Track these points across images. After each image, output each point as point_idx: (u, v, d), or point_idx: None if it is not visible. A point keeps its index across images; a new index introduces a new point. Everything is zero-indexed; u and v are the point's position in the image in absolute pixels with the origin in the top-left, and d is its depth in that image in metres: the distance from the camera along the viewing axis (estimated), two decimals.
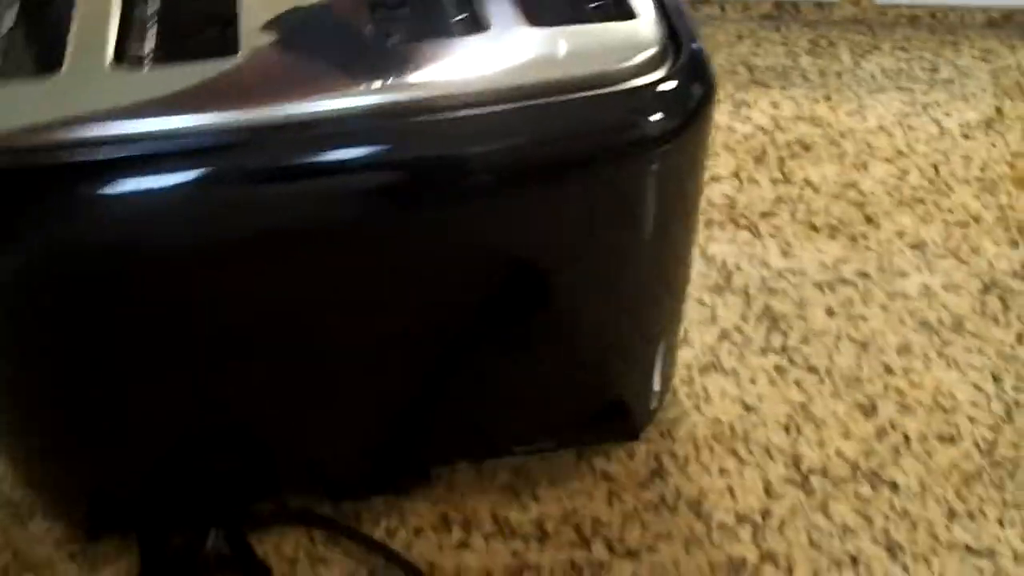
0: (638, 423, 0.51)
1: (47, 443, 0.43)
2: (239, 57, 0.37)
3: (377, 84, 0.36)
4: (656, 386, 0.50)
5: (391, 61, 0.37)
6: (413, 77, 0.36)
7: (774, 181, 0.66)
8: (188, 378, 0.41)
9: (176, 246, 0.37)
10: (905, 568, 0.46)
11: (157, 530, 0.44)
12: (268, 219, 0.37)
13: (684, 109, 0.38)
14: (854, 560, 0.46)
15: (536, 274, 0.42)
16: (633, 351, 0.47)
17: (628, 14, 0.39)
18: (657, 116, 0.37)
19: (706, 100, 0.39)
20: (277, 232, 0.37)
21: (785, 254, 0.61)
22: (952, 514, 0.48)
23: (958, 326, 0.56)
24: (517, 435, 0.49)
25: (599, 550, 0.47)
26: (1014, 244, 0.61)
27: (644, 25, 0.38)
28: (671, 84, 0.37)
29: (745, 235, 0.62)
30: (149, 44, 0.39)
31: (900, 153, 0.67)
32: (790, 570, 0.46)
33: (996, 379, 0.53)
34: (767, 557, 0.46)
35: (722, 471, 0.50)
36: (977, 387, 0.53)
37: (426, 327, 0.42)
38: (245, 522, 0.46)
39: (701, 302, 0.58)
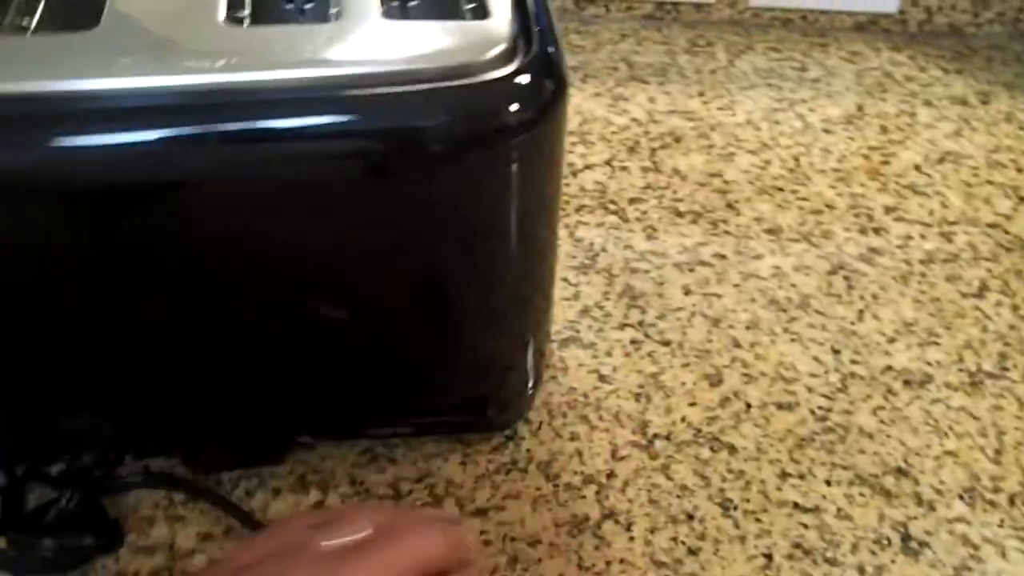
0: (506, 419, 0.53)
1: None
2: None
3: (220, 63, 0.38)
4: (526, 383, 0.52)
5: (235, 42, 0.39)
6: (252, 59, 0.38)
7: (644, 170, 0.69)
8: (58, 330, 0.43)
9: None
10: (736, 523, 0.49)
11: (15, 486, 0.45)
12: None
13: (535, 103, 0.40)
14: (690, 516, 0.49)
15: (398, 260, 0.43)
16: (498, 346, 0.49)
17: (484, 14, 0.41)
18: (508, 108, 0.39)
19: (558, 95, 0.41)
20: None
21: (649, 237, 0.64)
22: (784, 474, 0.51)
23: (804, 304, 0.60)
24: (376, 418, 0.51)
25: (450, 508, 0.49)
26: (863, 231, 0.65)
27: (497, 24, 0.41)
28: (522, 79, 0.39)
29: (613, 219, 0.65)
30: None
31: (765, 145, 0.71)
32: (629, 526, 0.48)
33: (835, 352, 0.57)
34: (609, 514, 0.49)
35: (572, 436, 0.52)
36: (817, 359, 0.57)
37: (289, 302, 0.44)
38: (102, 484, 0.47)
39: (567, 281, 0.61)
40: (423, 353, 0.48)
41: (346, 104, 0.38)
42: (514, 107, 0.39)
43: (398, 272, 0.44)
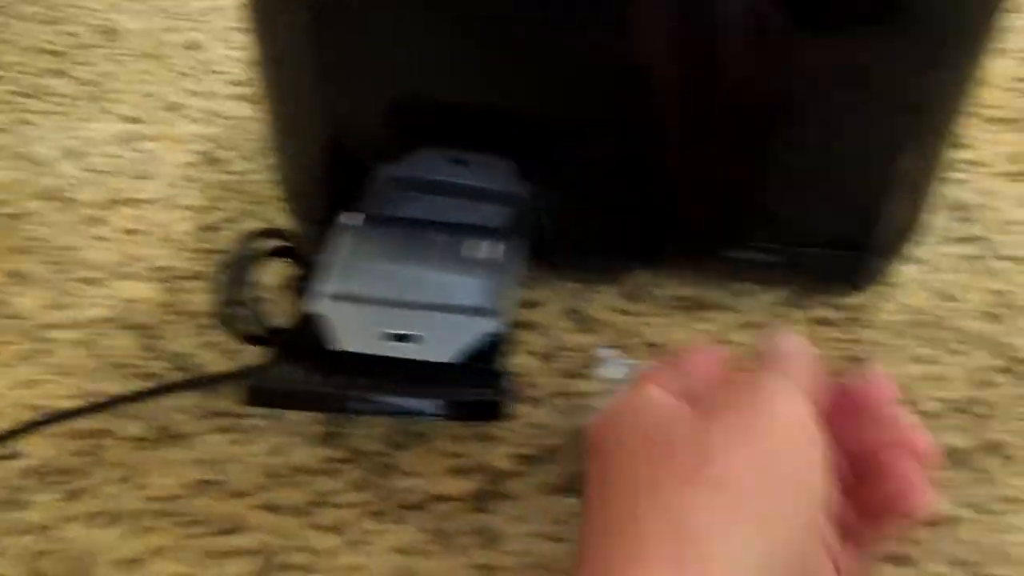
0: (870, 272, 0.46)
1: None
2: None
3: None
4: (906, 230, 0.45)
5: None
6: None
7: None
8: None
9: None
10: None
11: None
12: None
13: None
14: None
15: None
16: (886, 172, 0.42)
17: None
18: None
19: None
20: None
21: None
22: None
23: None
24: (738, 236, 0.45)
25: None
26: None
27: None
28: None
29: None
30: None
31: None
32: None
33: None
34: (993, 447, 0.41)
35: (918, 359, 0.45)
36: None
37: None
38: None
39: None
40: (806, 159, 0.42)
41: None
42: None
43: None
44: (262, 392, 0.38)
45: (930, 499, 0.31)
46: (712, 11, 0.37)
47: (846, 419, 0.33)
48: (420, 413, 0.40)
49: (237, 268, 0.41)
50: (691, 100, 0.40)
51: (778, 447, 0.30)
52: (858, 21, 0.38)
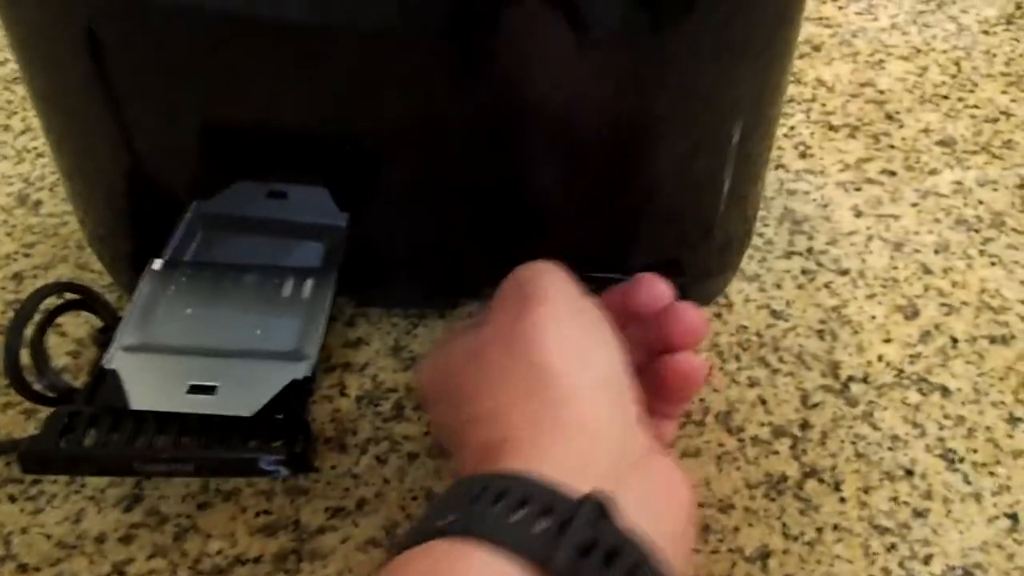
0: (702, 293, 0.46)
1: None
2: None
3: None
4: (729, 251, 0.45)
5: None
6: None
7: None
8: None
9: None
10: (966, 478, 0.40)
11: None
12: None
13: None
14: (908, 472, 0.40)
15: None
16: (706, 193, 0.43)
17: None
18: None
19: None
20: None
21: (803, 155, 0.55)
22: (1013, 419, 0.42)
23: (998, 223, 0.51)
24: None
25: None
26: None
27: None
28: None
29: None
30: None
31: (917, 51, 0.62)
32: (837, 485, 0.40)
33: None
34: (811, 472, 0.40)
35: (751, 382, 0.44)
36: None
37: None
38: None
39: None
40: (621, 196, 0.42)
41: None
42: None
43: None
44: (33, 458, 0.36)
45: (700, 377, 0.35)
46: (509, 28, 0.36)
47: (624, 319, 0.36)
48: (220, 472, 0.38)
49: (17, 327, 0.38)
50: (502, 123, 0.39)
51: (576, 311, 0.33)
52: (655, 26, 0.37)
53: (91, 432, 0.37)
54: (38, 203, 0.52)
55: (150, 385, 0.39)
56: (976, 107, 0.58)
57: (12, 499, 0.39)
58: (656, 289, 0.36)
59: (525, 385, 0.30)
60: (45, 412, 0.38)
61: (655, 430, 0.33)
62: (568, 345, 0.32)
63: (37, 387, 0.39)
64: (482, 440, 0.30)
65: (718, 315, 0.47)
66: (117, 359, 0.39)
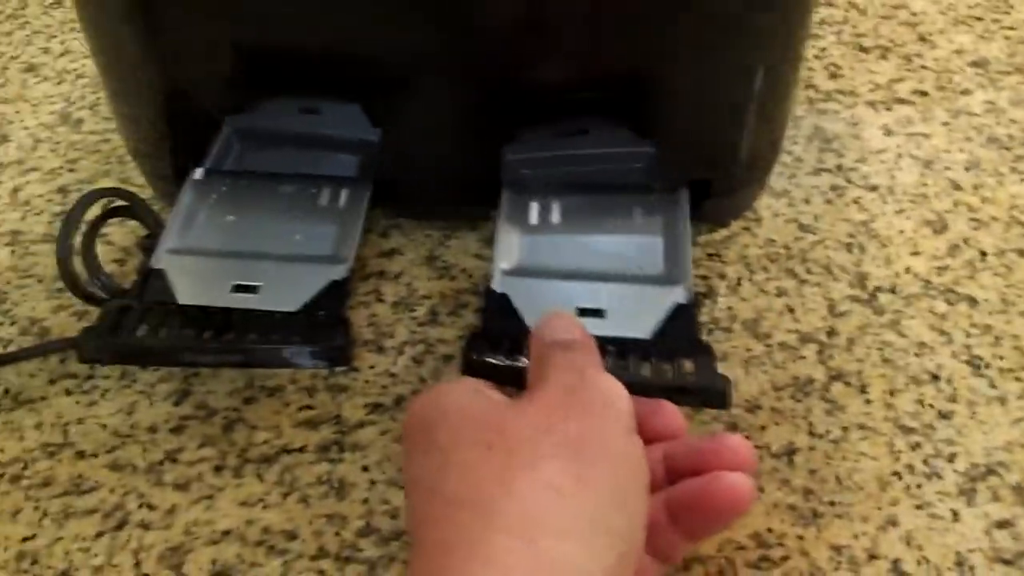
0: (726, 210, 0.47)
1: None
2: None
3: None
4: (756, 169, 0.45)
5: None
6: None
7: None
8: None
9: None
10: (991, 383, 0.41)
11: None
12: None
13: None
14: (934, 376, 0.41)
15: None
16: (732, 109, 0.42)
17: None
18: None
19: None
20: None
21: (833, 76, 0.55)
22: None
23: None
24: None
25: None
26: None
27: None
28: None
29: None
30: None
31: None
32: (864, 388, 0.41)
33: None
34: (837, 376, 0.41)
35: (779, 292, 0.45)
36: None
37: None
38: None
39: None
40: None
41: None
42: None
43: None
44: (90, 348, 0.37)
45: (748, 499, 0.30)
46: None
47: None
48: (263, 363, 0.40)
49: (68, 229, 0.40)
50: (532, 37, 0.40)
51: (601, 422, 0.29)
52: None
53: (142, 326, 0.38)
54: (79, 121, 0.53)
55: (196, 284, 0.40)
56: (1011, 28, 0.58)
57: (68, 392, 0.41)
58: (677, 420, 0.34)
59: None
60: (95, 314, 0.40)
61: (667, 551, 0.32)
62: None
63: (89, 289, 0.41)
64: (440, 538, 0.27)
65: (747, 228, 0.47)
66: (164, 260, 0.41)
